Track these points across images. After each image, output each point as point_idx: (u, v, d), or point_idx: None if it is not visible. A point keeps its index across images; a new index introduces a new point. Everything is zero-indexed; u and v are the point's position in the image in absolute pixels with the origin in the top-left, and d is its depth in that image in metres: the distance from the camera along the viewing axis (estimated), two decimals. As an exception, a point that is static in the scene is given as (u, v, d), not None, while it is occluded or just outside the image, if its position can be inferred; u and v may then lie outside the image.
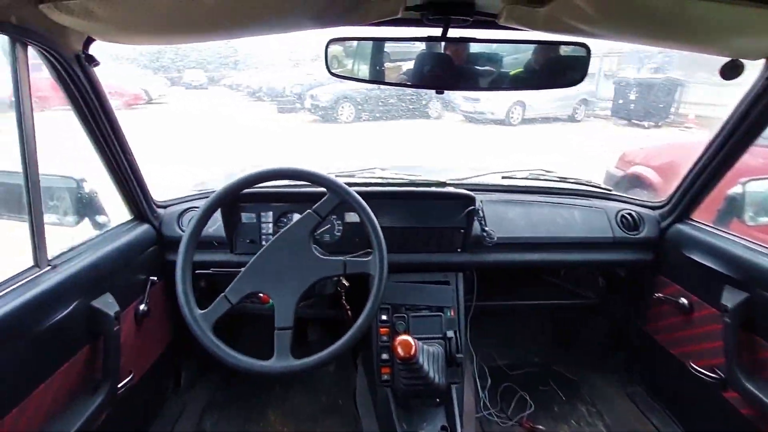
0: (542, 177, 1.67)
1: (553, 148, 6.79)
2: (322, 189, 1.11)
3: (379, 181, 1.59)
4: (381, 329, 1.36)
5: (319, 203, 1.06)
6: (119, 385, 1.17)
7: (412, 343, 1.07)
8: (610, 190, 1.71)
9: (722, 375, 1.26)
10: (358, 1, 0.83)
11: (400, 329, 1.35)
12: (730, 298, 1.22)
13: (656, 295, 1.56)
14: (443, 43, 1.02)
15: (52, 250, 1.04)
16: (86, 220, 1.27)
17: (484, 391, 1.73)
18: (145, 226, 1.38)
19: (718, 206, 1.58)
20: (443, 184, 1.55)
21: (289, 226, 1.06)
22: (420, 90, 9.27)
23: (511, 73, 1.03)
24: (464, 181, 1.63)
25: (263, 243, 1.31)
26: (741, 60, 0.97)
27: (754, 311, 1.19)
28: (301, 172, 1.08)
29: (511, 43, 1.01)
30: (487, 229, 1.38)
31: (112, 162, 1.17)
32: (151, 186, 1.37)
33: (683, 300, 1.44)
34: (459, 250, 1.44)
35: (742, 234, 1.35)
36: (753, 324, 1.20)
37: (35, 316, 0.91)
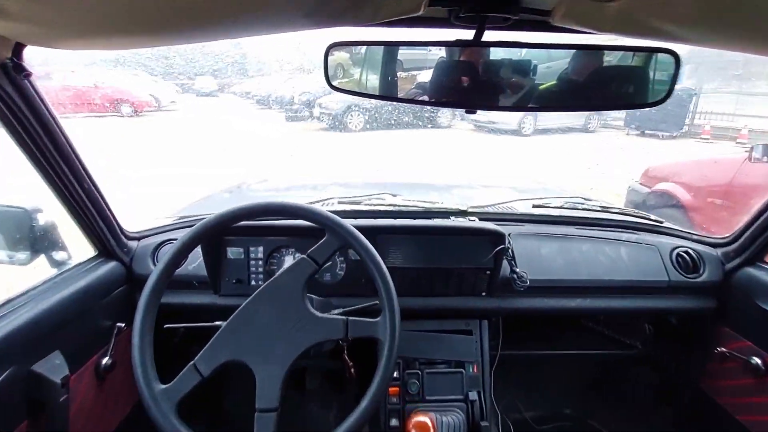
0: (581, 206, 1.44)
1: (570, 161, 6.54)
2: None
3: (389, 209, 1.36)
4: (390, 389, 1.15)
5: (316, 247, 0.88)
6: None
7: (430, 427, 0.91)
8: (660, 222, 1.46)
9: None
10: None
11: (413, 390, 1.14)
12: None
13: (718, 349, 1.32)
14: (473, 49, 0.80)
15: None
16: (41, 257, 1.06)
17: None
18: (112, 264, 1.16)
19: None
20: (464, 214, 1.33)
21: (277, 275, 0.86)
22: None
23: (566, 88, 0.78)
24: (488, 210, 1.42)
25: (252, 283, 1.17)
26: None
27: None
28: (295, 208, 0.90)
29: (568, 49, 0.75)
30: (518, 270, 1.17)
31: (62, 191, 0.96)
32: (123, 213, 1.16)
33: (755, 360, 1.20)
34: (484, 294, 1.23)
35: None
36: None
37: None
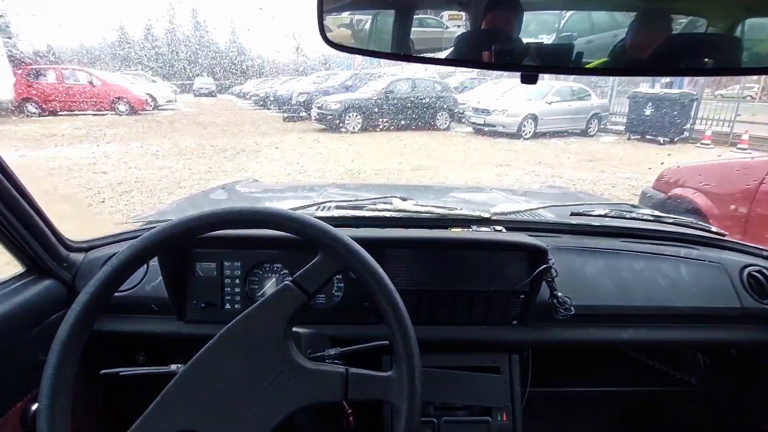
0: (628, 214, 1.21)
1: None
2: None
3: (398, 215, 1.12)
4: None
5: (305, 270, 0.64)
6: None
7: None
8: (723, 235, 1.23)
9: None
10: None
11: None
12: None
13: None
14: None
15: None
16: None
17: None
18: (46, 283, 0.92)
19: None
20: (488, 222, 1.11)
21: (250, 309, 0.64)
22: (428, 95, 8.98)
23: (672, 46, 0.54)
24: (516, 217, 1.17)
25: (227, 307, 0.94)
26: None
27: None
28: (278, 217, 0.65)
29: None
30: (559, 295, 0.95)
31: None
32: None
33: None
34: (515, 322, 1.00)
35: None
36: None
37: None
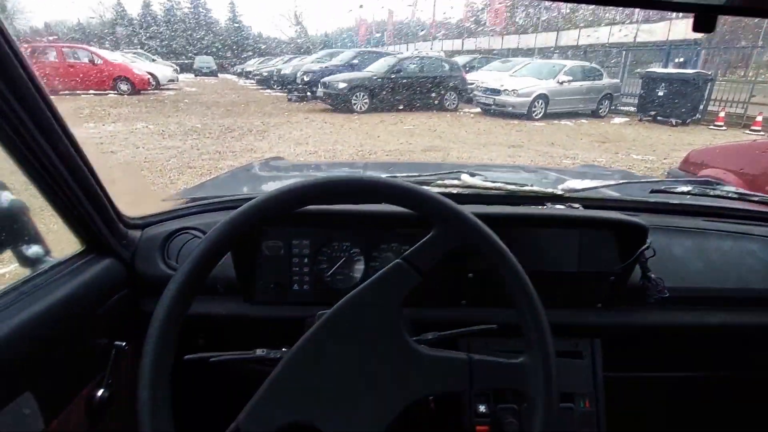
0: (712, 191, 1.15)
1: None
2: (402, 211, 0.67)
3: (467, 191, 1.06)
4: (478, 427, 0.89)
5: (418, 247, 0.58)
6: None
7: None
8: None
9: None
10: None
11: (510, 430, 0.86)
12: None
13: None
14: None
15: None
16: (6, 253, 0.78)
17: None
18: (107, 261, 0.87)
19: None
20: (561, 199, 1.06)
21: (358, 290, 0.58)
22: (436, 74, 8.63)
23: None
24: (591, 195, 1.10)
25: (295, 288, 0.89)
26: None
27: None
28: (398, 188, 0.58)
29: None
30: (653, 277, 0.90)
31: (29, 160, 0.70)
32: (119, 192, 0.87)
33: None
34: (600, 305, 0.96)
35: None
36: None
37: None
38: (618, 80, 10.59)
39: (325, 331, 0.56)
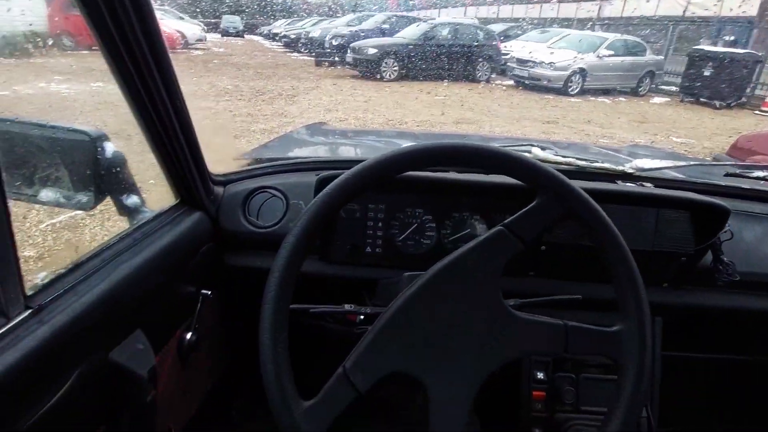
0: None
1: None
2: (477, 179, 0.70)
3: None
4: (534, 393, 0.92)
5: (521, 215, 0.59)
6: None
7: None
8: None
9: None
10: None
11: (568, 399, 0.89)
12: None
13: None
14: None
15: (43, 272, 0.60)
16: (108, 202, 0.82)
17: None
18: (197, 215, 0.92)
19: None
20: (631, 177, 1.06)
21: (461, 251, 0.59)
22: (470, 42, 8.36)
23: None
24: (662, 175, 1.10)
25: (368, 250, 0.93)
26: None
27: None
28: (505, 157, 0.60)
29: None
30: (725, 259, 0.91)
31: (154, 122, 0.73)
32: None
33: None
34: (665, 285, 0.97)
35: None
36: None
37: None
38: (662, 57, 10.02)
39: (428, 290, 0.58)
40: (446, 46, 8.32)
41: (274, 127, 4.56)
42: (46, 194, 0.72)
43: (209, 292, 0.92)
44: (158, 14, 0.65)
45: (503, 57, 8.74)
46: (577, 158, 1.03)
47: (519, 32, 10.86)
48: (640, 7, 12.01)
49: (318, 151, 1.44)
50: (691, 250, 0.90)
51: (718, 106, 8.18)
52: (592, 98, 7.89)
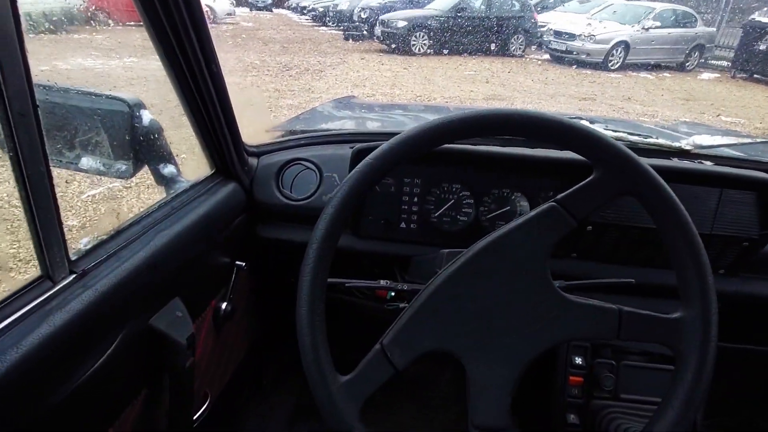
0: None
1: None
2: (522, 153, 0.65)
3: None
4: (571, 378, 0.88)
5: (575, 190, 0.54)
6: (194, 418, 0.81)
7: None
8: None
9: None
10: None
11: (607, 385, 0.85)
12: None
13: None
14: None
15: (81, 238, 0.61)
16: (145, 170, 0.83)
17: None
18: (232, 186, 0.91)
19: None
20: (688, 155, 0.98)
21: (508, 228, 0.55)
22: (504, 14, 7.98)
23: None
24: (722, 153, 1.03)
25: (402, 226, 0.89)
26: None
27: None
28: (561, 125, 0.54)
29: None
30: None
31: (192, 91, 0.73)
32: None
33: None
34: (722, 272, 0.91)
35: None
36: None
37: (45, 367, 0.50)
38: (713, 29, 9.27)
39: (471, 267, 0.55)
40: (479, 18, 7.97)
41: (302, 103, 4.53)
42: (87, 162, 0.73)
43: (243, 264, 0.92)
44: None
45: (540, 29, 8.30)
46: (629, 133, 0.96)
47: (557, 2, 10.26)
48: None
49: (348, 125, 1.41)
50: (755, 235, 0.83)
51: (774, 82, 7.56)
52: (634, 73, 7.43)
